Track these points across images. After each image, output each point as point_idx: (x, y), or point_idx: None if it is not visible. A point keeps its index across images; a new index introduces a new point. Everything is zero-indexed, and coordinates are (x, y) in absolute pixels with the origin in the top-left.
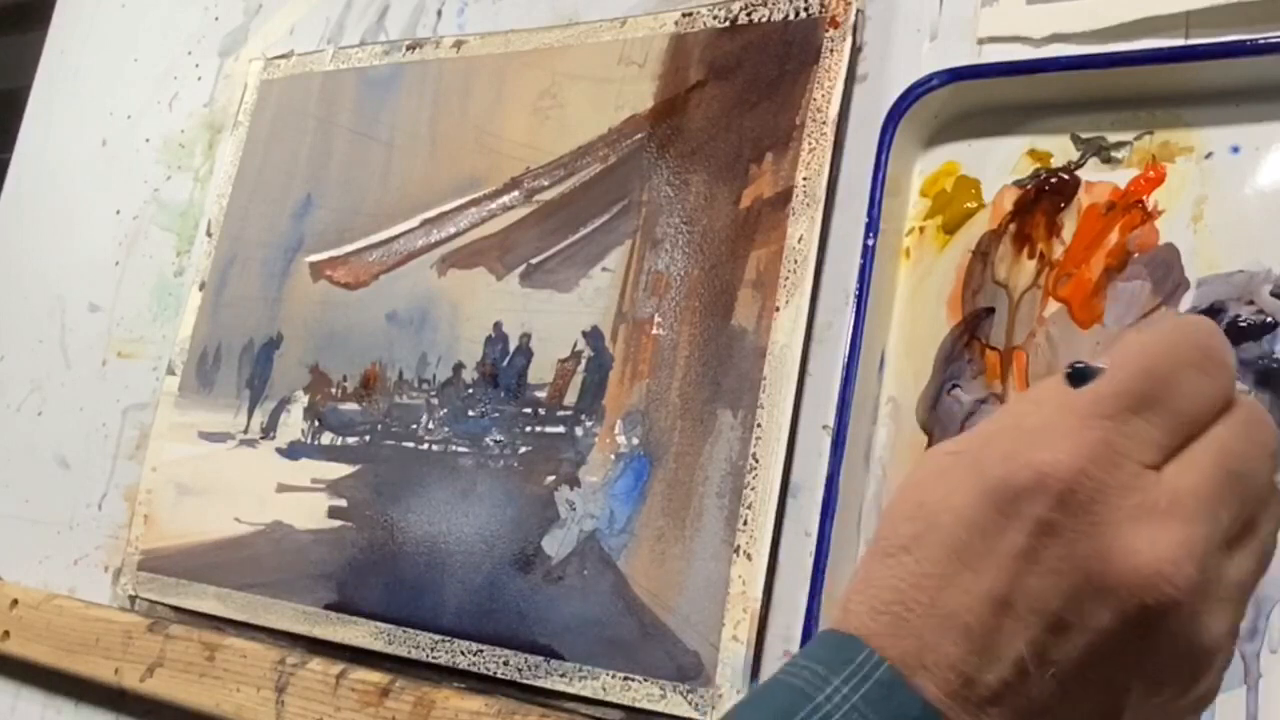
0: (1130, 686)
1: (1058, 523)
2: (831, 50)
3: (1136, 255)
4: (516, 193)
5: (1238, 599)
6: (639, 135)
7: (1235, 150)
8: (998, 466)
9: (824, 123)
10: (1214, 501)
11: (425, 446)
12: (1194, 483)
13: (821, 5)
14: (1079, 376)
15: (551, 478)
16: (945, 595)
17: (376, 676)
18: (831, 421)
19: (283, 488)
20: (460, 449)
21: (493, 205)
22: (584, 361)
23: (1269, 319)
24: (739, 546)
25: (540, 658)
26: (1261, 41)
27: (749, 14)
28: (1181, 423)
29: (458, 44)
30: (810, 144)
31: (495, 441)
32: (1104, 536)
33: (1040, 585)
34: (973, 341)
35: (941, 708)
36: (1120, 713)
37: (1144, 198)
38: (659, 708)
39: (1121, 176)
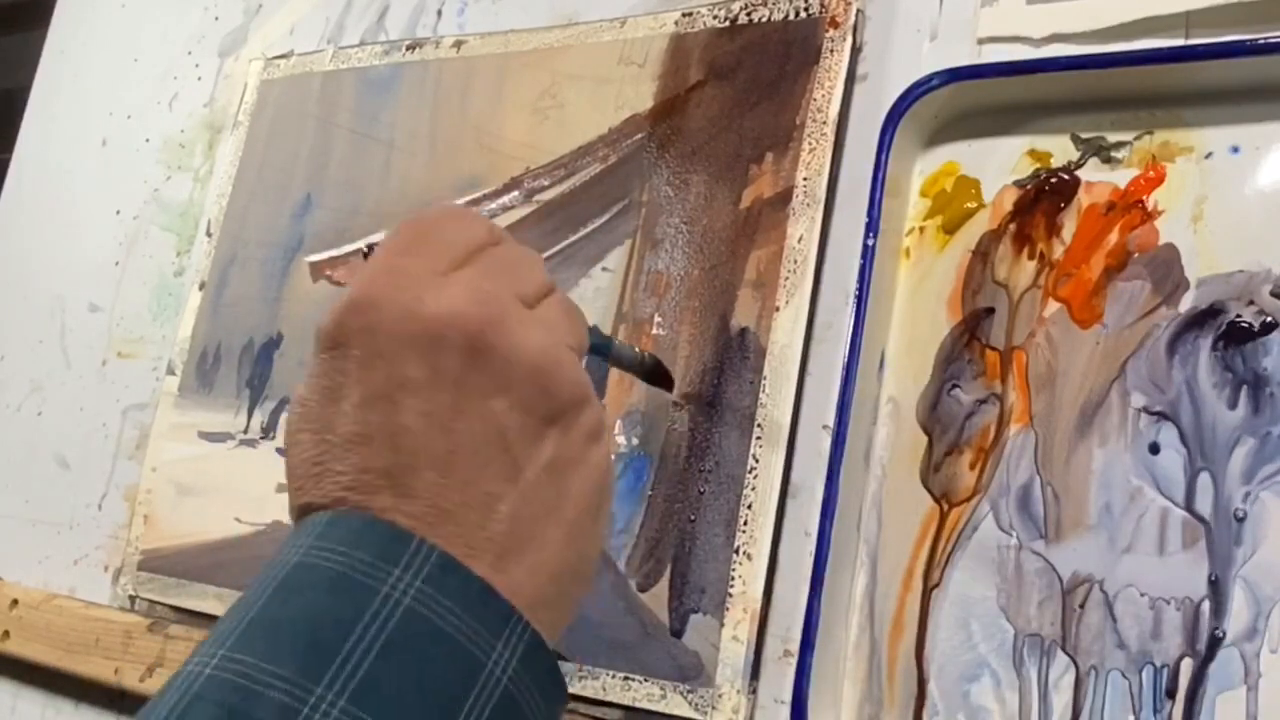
0: (494, 407)
1: (375, 340)
2: (831, 50)
3: (1136, 255)
4: (516, 193)
5: (539, 324)
6: (639, 135)
7: (1235, 150)
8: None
9: (824, 123)
10: (478, 276)
11: None
12: (465, 273)
13: (821, 5)
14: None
15: None
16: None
17: None
18: (831, 421)
19: (283, 488)
20: None
21: (493, 205)
22: (583, 361)
23: (1269, 319)
24: (739, 547)
25: None
26: (1261, 41)
27: (749, 14)
28: (448, 253)
29: (458, 44)
30: (810, 144)
31: None
32: (417, 316)
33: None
34: (973, 341)
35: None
36: (505, 439)
37: (1144, 198)
38: (659, 708)
39: (1121, 176)
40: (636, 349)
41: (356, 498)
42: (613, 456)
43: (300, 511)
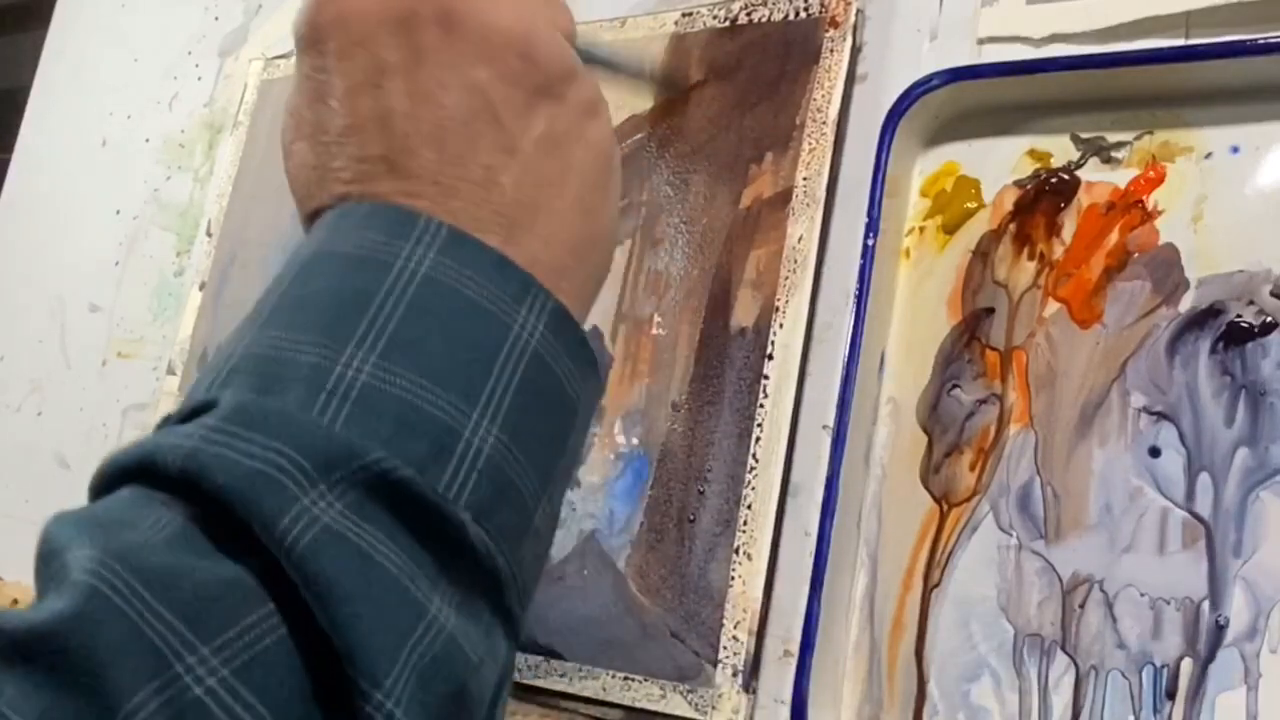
0: (477, 77)
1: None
2: (831, 50)
3: (1136, 255)
4: None
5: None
6: (639, 135)
7: (1235, 150)
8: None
9: (824, 123)
10: None
11: None
12: None
13: (821, 5)
14: None
15: None
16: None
17: None
18: (831, 421)
19: None
20: None
21: None
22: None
23: (1269, 319)
24: (739, 546)
25: (540, 658)
26: (1261, 41)
27: (749, 14)
28: None
29: None
30: (810, 144)
31: None
32: None
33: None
34: (973, 341)
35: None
36: (493, 110)
37: (1144, 198)
38: (659, 708)
39: (1121, 176)
40: (641, 58)
41: (359, 189)
42: (613, 134)
43: (309, 219)
